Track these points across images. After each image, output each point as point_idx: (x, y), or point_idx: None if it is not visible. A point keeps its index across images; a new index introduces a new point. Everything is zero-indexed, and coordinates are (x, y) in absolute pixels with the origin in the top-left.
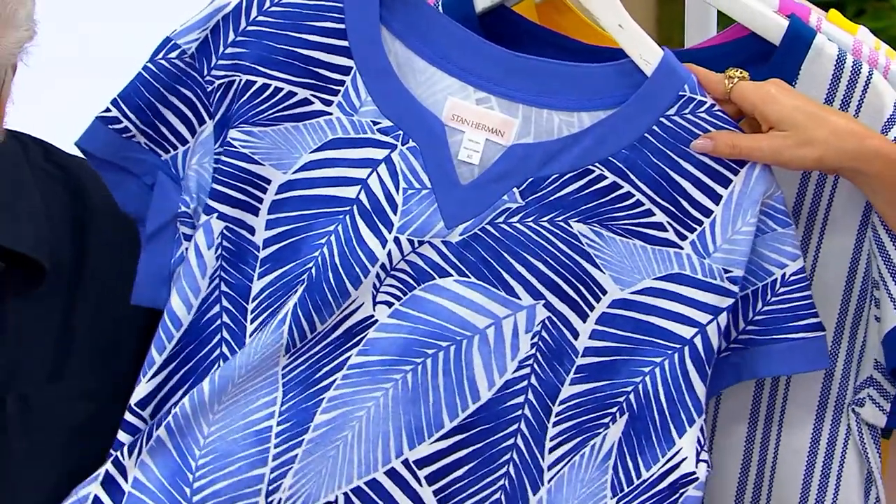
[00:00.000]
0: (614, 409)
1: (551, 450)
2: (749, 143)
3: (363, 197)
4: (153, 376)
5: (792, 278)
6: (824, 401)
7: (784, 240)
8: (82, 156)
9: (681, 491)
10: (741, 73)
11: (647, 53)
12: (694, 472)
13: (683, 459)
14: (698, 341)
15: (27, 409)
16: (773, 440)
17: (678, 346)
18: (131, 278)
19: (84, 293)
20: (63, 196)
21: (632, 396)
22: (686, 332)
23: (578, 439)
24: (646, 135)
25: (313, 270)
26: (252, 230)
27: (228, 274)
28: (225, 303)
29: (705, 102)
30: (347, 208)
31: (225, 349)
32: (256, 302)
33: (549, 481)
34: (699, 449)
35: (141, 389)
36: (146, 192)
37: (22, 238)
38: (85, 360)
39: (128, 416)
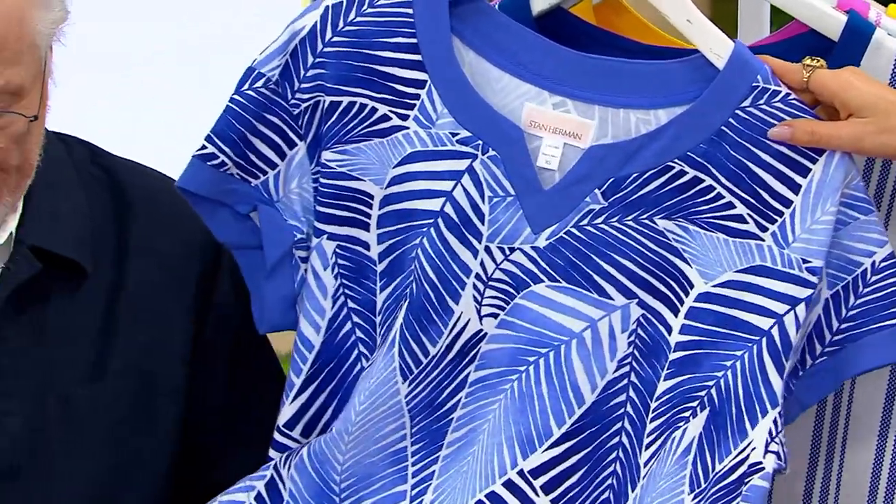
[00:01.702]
0: (695, 404)
1: (647, 446)
2: (828, 130)
3: (449, 209)
4: (295, 398)
5: (882, 265)
6: (888, 415)
7: (868, 227)
8: (126, 157)
9: (746, 480)
10: (819, 61)
11: (717, 47)
12: (761, 462)
13: (753, 450)
14: (776, 332)
15: (67, 409)
16: (836, 459)
17: (757, 338)
18: (172, 280)
19: (125, 294)
20: (106, 198)
21: (713, 391)
22: (764, 323)
23: (666, 434)
24: (723, 128)
25: (414, 286)
26: (367, 245)
27: (353, 290)
28: (356, 319)
29: (780, 92)
30: (431, 221)
31: (364, 363)
32: (382, 316)
33: (644, 477)
34: (769, 440)
35: (286, 412)
36: (239, 220)
37: (63, 240)
38: (125, 361)
39: (277, 436)
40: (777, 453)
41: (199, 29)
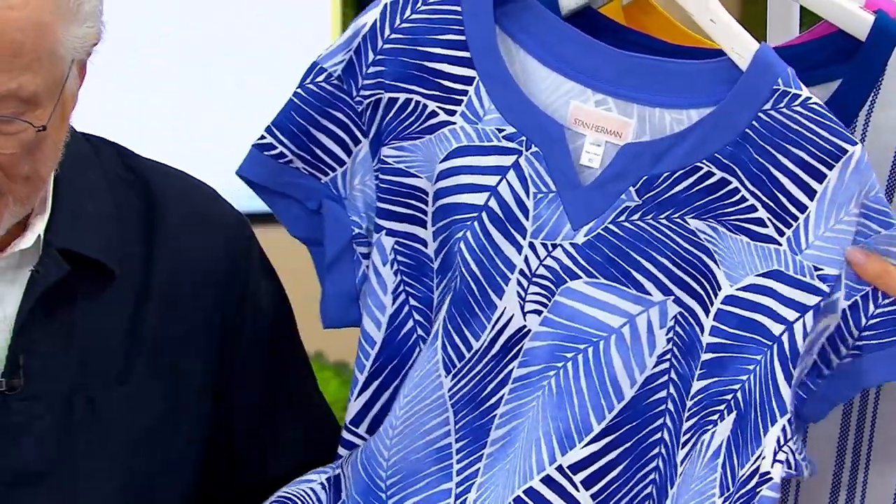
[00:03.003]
0: (722, 407)
1: (683, 444)
2: None
3: (493, 203)
4: (359, 395)
5: None
6: None
7: (890, 241)
8: (153, 158)
9: (758, 491)
10: None
11: (739, 47)
12: (769, 472)
13: (763, 459)
14: (785, 339)
15: (94, 411)
16: (860, 481)
17: (770, 343)
18: (200, 280)
19: (153, 296)
20: (134, 200)
21: (739, 395)
22: (777, 329)
23: (697, 435)
24: (747, 130)
25: (458, 279)
26: (425, 243)
27: (414, 288)
28: (417, 316)
29: (800, 95)
30: (475, 214)
31: None
32: (435, 311)
33: (679, 475)
34: (777, 448)
35: (352, 408)
36: (311, 216)
37: (90, 242)
38: (153, 363)
39: (345, 433)
40: (785, 462)
41: (202, 30)
